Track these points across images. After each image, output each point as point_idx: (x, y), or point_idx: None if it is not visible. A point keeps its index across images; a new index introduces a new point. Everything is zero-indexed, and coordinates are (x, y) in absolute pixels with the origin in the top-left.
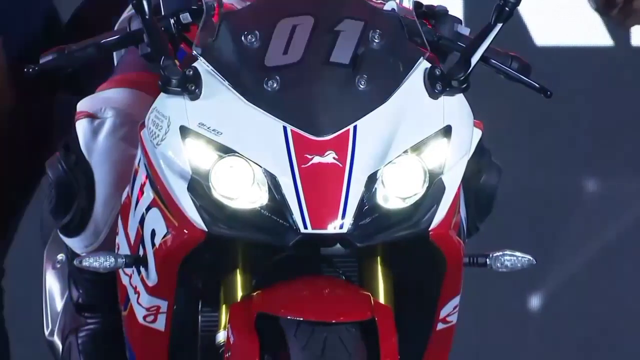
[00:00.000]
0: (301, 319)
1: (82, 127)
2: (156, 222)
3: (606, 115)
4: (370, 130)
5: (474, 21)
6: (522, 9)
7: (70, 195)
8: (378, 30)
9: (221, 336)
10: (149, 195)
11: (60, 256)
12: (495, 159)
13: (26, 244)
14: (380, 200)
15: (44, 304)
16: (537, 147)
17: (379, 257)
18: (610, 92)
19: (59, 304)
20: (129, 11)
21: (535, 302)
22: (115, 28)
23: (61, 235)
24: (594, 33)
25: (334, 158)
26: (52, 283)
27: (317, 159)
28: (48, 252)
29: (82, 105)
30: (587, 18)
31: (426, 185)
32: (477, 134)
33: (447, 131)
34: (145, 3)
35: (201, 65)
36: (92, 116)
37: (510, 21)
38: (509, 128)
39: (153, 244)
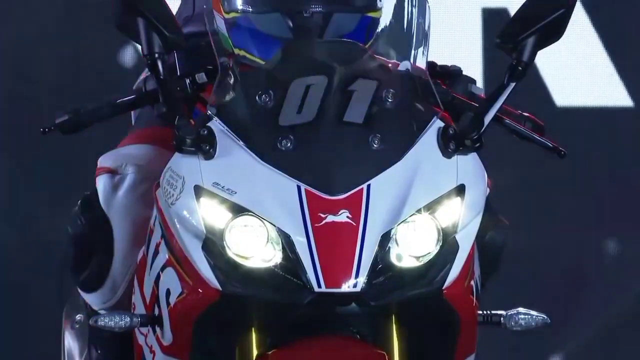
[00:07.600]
0: None
1: (102, 182)
2: (171, 281)
3: (626, 176)
4: (384, 189)
5: (493, 81)
6: (541, 69)
7: (89, 250)
8: (391, 90)
9: None
10: (164, 254)
11: (79, 316)
12: (503, 217)
13: (44, 303)
14: (393, 259)
15: None
16: (556, 207)
17: (393, 316)
18: (629, 153)
19: None
20: (145, 72)
21: None
22: (134, 88)
23: (80, 291)
24: (613, 94)
25: (347, 217)
26: (71, 343)
27: (330, 218)
28: (67, 312)
29: (103, 160)
30: (606, 79)
31: (440, 244)
32: (485, 191)
33: (460, 190)
34: (160, 63)
35: (216, 124)
36: (112, 172)
37: (530, 82)
38: (526, 187)
39: (168, 303)
